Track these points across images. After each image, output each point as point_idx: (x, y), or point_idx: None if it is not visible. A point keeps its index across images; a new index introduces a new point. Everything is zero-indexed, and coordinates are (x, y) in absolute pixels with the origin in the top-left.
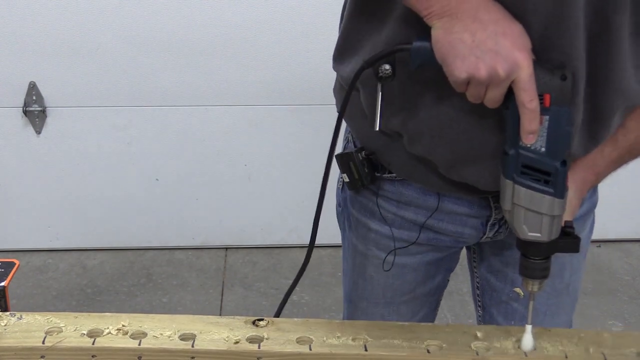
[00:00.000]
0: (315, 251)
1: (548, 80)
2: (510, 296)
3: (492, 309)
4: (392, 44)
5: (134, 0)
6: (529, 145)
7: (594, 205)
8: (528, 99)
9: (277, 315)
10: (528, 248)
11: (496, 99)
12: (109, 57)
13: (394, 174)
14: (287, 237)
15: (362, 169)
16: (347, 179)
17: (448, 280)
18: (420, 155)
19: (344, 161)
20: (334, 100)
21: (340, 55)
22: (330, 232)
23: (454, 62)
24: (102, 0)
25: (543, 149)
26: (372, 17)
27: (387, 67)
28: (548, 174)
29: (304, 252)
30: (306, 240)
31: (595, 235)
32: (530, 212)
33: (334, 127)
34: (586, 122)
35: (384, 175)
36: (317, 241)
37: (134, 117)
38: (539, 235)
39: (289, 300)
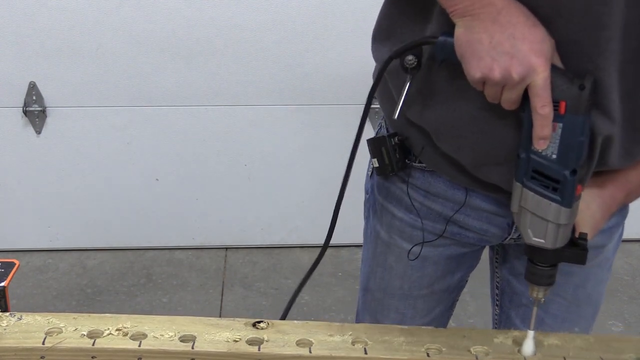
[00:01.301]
0: (315, 251)
1: (565, 88)
2: (530, 300)
3: (510, 311)
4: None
5: (134, 0)
6: (540, 151)
7: (624, 217)
8: (540, 105)
9: (284, 317)
10: (534, 253)
11: (511, 101)
12: (109, 57)
13: (424, 164)
14: (287, 237)
15: (394, 154)
16: (376, 164)
17: (467, 281)
18: (446, 152)
19: (376, 146)
20: (334, 100)
21: (377, 37)
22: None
23: (470, 61)
24: (102, 0)
25: (554, 156)
26: (415, 6)
27: (411, 58)
28: (557, 182)
29: (304, 252)
30: (306, 240)
31: None
32: (536, 218)
33: (334, 127)
34: (623, 137)
35: (415, 163)
36: (317, 241)
37: (134, 117)
38: (542, 241)
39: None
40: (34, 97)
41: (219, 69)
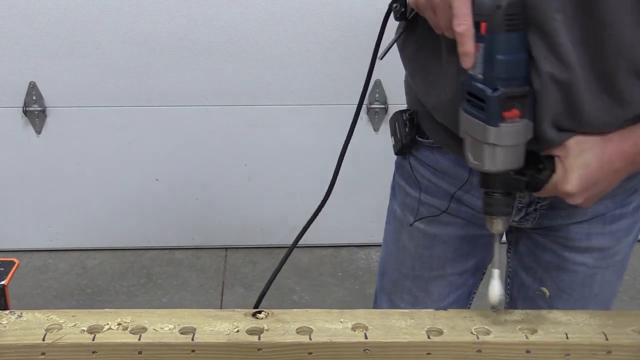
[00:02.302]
0: (315, 251)
1: (485, 10)
2: (537, 294)
3: (518, 302)
4: None
5: (134, 0)
6: (471, 73)
7: (636, 222)
8: (457, 23)
9: (257, 306)
10: (482, 181)
11: (445, 24)
12: (109, 57)
13: (432, 140)
14: (287, 237)
15: (403, 129)
16: (393, 142)
17: (484, 273)
18: (444, 124)
19: (392, 122)
20: (334, 100)
21: None
22: (331, 232)
23: None
24: (102, 0)
25: (481, 76)
26: None
27: (396, 5)
28: (482, 100)
29: (304, 252)
30: (307, 241)
31: None
32: (472, 139)
33: (334, 127)
34: (590, 87)
35: (424, 140)
36: (317, 241)
37: (134, 117)
38: (479, 163)
39: (289, 300)
40: (34, 97)
41: (219, 69)
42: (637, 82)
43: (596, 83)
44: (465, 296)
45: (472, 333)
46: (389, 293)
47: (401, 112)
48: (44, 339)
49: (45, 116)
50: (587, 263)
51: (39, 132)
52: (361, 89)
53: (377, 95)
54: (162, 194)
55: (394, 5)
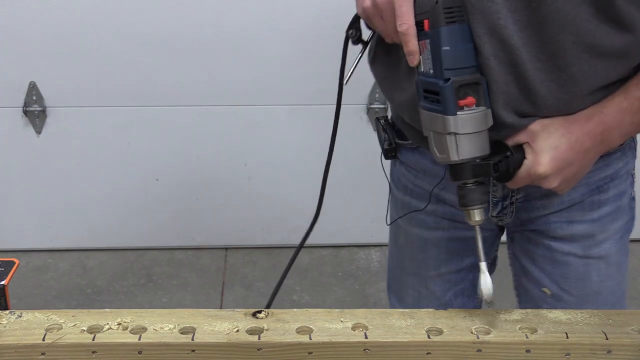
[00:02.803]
0: (315, 251)
1: (425, 7)
2: (539, 296)
3: (526, 305)
4: None
5: (134, 0)
6: (422, 70)
7: (624, 213)
8: (398, 23)
9: (268, 305)
10: (451, 174)
11: (393, 28)
12: (109, 57)
13: (410, 141)
14: (287, 237)
15: (383, 134)
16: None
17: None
18: (411, 123)
19: (376, 128)
20: (334, 100)
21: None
22: (331, 232)
23: (356, 2)
24: (102, 0)
25: (431, 71)
26: None
27: (352, 31)
28: (437, 93)
29: (304, 252)
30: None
31: None
32: (434, 134)
33: (333, 127)
34: (544, 66)
35: (404, 142)
36: (317, 241)
37: (134, 117)
38: (444, 156)
39: (289, 300)
40: (34, 97)
41: (219, 69)
42: (584, 55)
43: (546, 62)
44: (468, 288)
45: (472, 332)
46: (395, 289)
47: (378, 119)
48: (44, 339)
49: (45, 116)
50: (576, 252)
51: (39, 132)
52: (361, 89)
53: (377, 96)
54: (162, 194)
55: (350, 32)
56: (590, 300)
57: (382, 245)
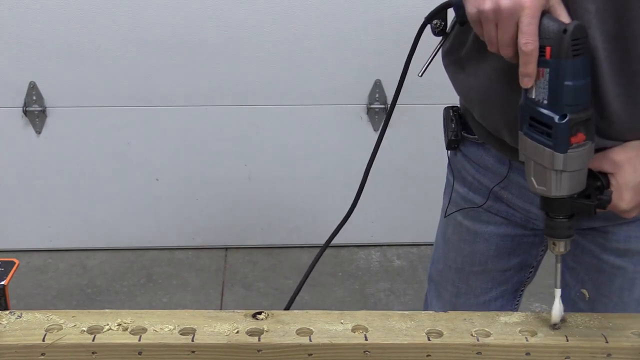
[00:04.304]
0: (315, 251)
1: (552, 33)
2: (577, 295)
3: (562, 298)
4: None
5: (134, 0)
6: (534, 97)
7: None
8: (524, 41)
9: (287, 307)
10: (545, 205)
11: (506, 40)
12: (109, 57)
13: (477, 136)
14: (287, 237)
15: (450, 125)
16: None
17: (530, 272)
18: (480, 120)
19: (443, 119)
20: (334, 100)
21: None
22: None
23: (467, 1)
24: (102, 1)
25: (545, 102)
26: None
27: (437, 22)
28: (549, 127)
29: (304, 252)
30: (306, 240)
31: None
32: (537, 165)
33: (334, 127)
34: (622, 82)
35: (470, 136)
36: (317, 241)
37: (134, 117)
38: (544, 189)
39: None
40: (34, 97)
41: (219, 69)
42: None
43: (625, 78)
44: (510, 292)
45: (472, 335)
46: (436, 282)
47: (448, 108)
48: (44, 340)
49: (45, 116)
50: (626, 267)
51: (39, 132)
52: (361, 89)
53: (377, 96)
54: (162, 194)
55: (434, 22)
56: (628, 306)
57: (382, 245)
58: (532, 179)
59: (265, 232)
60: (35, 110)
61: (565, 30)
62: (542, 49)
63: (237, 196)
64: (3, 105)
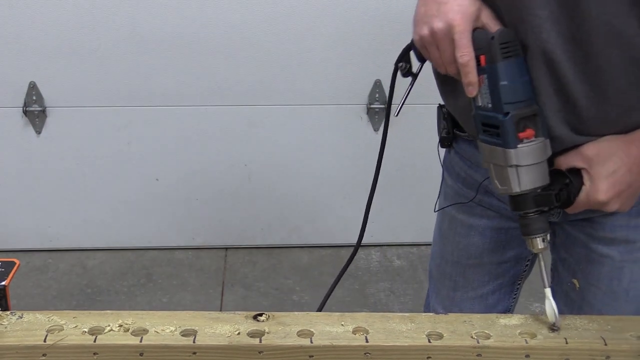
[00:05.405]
0: (315, 251)
1: (483, 42)
2: (569, 286)
3: (555, 290)
4: None
5: (134, 0)
6: (480, 104)
7: None
8: (459, 54)
9: (320, 309)
10: (513, 205)
11: (447, 58)
12: (109, 57)
13: (467, 134)
14: (287, 237)
15: (442, 123)
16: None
17: (526, 266)
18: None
19: (437, 115)
20: (334, 100)
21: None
22: (331, 232)
23: (413, 31)
24: (102, 1)
25: (490, 105)
26: None
27: (402, 64)
28: (497, 127)
29: (304, 252)
30: (306, 240)
31: None
32: (496, 167)
33: (334, 127)
34: (587, 80)
35: (461, 133)
36: (317, 241)
37: (134, 117)
38: (506, 187)
39: (289, 300)
40: (34, 97)
41: (219, 69)
42: (631, 68)
43: (590, 76)
44: (507, 285)
45: (472, 337)
46: (435, 277)
47: (440, 106)
48: (45, 340)
49: (45, 116)
50: (613, 256)
51: (39, 132)
52: (361, 89)
53: (377, 96)
54: (162, 194)
55: (400, 64)
56: (619, 299)
57: (382, 245)
58: (496, 181)
59: (265, 232)
60: (35, 110)
61: (492, 37)
62: (478, 59)
63: (237, 196)
64: (3, 105)
